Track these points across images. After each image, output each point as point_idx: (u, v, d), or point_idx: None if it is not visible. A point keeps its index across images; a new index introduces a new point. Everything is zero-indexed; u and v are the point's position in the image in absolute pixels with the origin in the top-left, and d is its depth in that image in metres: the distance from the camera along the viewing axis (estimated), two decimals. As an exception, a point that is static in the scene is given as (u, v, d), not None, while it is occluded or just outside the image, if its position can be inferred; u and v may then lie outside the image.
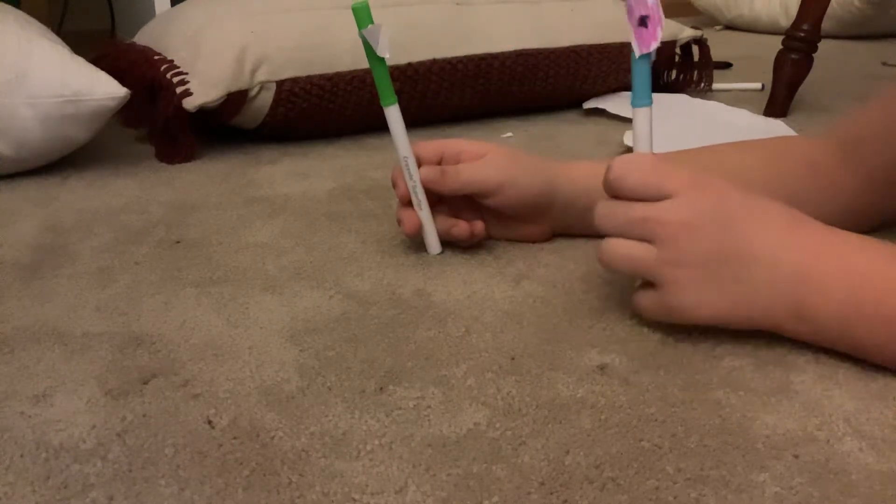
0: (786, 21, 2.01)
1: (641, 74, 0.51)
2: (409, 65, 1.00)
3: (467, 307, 0.56)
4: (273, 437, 0.42)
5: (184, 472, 0.39)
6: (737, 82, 1.36)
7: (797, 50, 1.11)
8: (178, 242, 0.69)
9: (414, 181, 0.63)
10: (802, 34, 1.10)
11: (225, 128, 1.00)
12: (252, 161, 0.94)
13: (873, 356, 0.47)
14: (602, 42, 1.13)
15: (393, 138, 0.63)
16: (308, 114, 0.98)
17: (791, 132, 0.99)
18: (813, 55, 1.11)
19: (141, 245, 0.68)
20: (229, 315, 0.55)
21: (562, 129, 1.07)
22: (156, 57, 0.97)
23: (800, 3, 1.11)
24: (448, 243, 0.65)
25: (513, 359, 0.49)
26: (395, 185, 0.64)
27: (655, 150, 0.52)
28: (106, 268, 0.64)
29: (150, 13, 1.41)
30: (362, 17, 0.59)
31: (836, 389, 0.46)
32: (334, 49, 0.97)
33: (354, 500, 0.37)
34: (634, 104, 0.51)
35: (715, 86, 1.30)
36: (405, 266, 0.63)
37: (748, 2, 2.24)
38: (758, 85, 1.33)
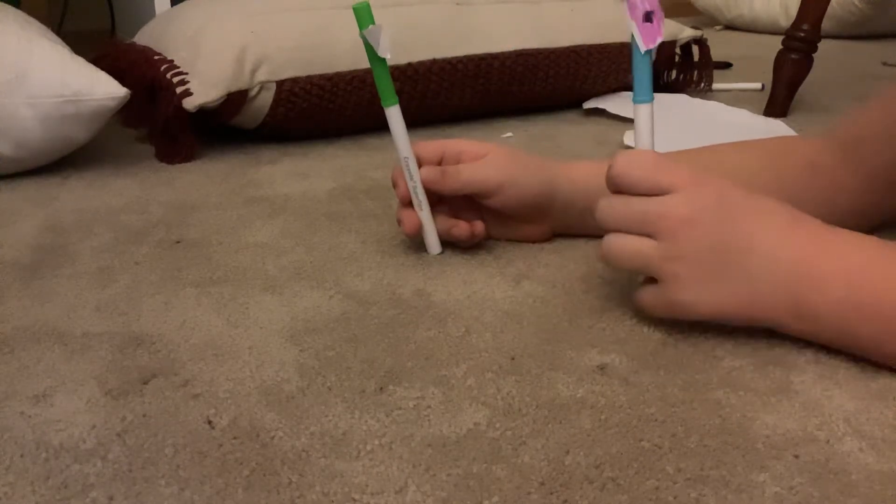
0: (786, 21, 2.01)
1: (643, 70, 0.51)
2: (409, 65, 1.00)
3: (467, 307, 0.56)
4: (273, 437, 0.42)
5: (184, 472, 0.39)
6: (737, 82, 1.36)
7: (797, 50, 1.11)
8: (178, 242, 0.69)
9: (414, 182, 0.63)
10: (802, 34, 1.10)
11: (225, 128, 1.00)
12: (252, 161, 0.94)
13: (872, 353, 0.47)
14: (602, 42, 1.13)
15: (394, 139, 0.63)
16: (308, 114, 0.98)
17: (791, 132, 0.99)
18: (813, 55, 1.11)
19: (141, 245, 0.68)
20: (229, 315, 0.55)
21: (562, 129, 1.07)
22: (156, 57, 0.97)
23: (800, 3, 1.11)
24: (448, 243, 0.65)
25: (513, 359, 0.49)
26: (395, 186, 0.64)
27: (656, 150, 0.52)
28: (106, 268, 0.64)
29: (150, 13, 1.41)
30: (363, 17, 0.59)
31: (836, 389, 0.46)
32: (334, 49, 0.97)
33: (354, 500, 0.37)
34: (636, 100, 0.51)
35: (715, 86, 1.30)
36: (405, 266, 0.63)
37: (748, 2, 2.24)
38: (758, 85, 1.33)
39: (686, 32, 1.24)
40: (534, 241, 0.67)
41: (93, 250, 0.67)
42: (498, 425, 0.43)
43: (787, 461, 0.40)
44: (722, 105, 1.13)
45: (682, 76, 1.27)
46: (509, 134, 1.05)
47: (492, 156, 0.63)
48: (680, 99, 1.19)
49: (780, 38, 1.14)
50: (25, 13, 0.98)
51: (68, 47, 0.90)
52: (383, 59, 0.60)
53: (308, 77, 0.96)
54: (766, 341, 0.50)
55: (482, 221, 0.65)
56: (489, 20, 1.07)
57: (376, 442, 0.41)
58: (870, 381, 0.46)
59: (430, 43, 1.02)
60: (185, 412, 0.44)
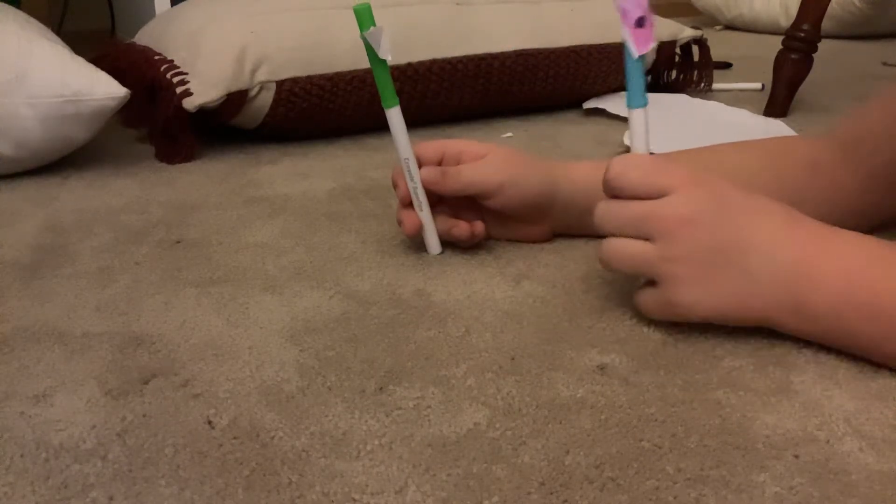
0: (786, 21, 2.01)
1: (636, 76, 0.51)
2: (409, 65, 1.00)
3: (467, 307, 0.56)
4: (273, 437, 0.42)
5: (184, 472, 0.39)
6: (737, 82, 1.36)
7: (797, 50, 1.11)
8: (178, 242, 0.69)
9: (415, 182, 0.63)
10: (802, 34, 1.10)
11: (225, 128, 1.00)
12: (252, 161, 0.94)
13: (870, 352, 0.47)
14: (602, 42, 1.13)
15: (394, 140, 0.62)
16: (308, 114, 0.98)
17: (791, 132, 0.99)
18: (813, 55, 1.11)
19: (141, 245, 0.68)
20: (229, 315, 0.55)
21: (562, 129, 1.07)
22: (156, 57, 0.97)
23: (800, 3, 1.12)
24: (448, 243, 0.65)
25: (513, 359, 0.49)
26: (395, 186, 0.64)
27: (656, 150, 0.52)
28: (106, 268, 0.64)
29: (150, 13, 1.41)
30: (364, 18, 0.59)
31: (836, 389, 0.46)
32: (334, 49, 0.97)
33: (354, 500, 0.37)
34: (630, 105, 0.51)
35: (715, 86, 1.30)
36: (405, 266, 0.63)
37: (748, 2, 2.24)
38: (758, 85, 1.33)
39: (686, 32, 1.24)
40: (534, 242, 0.67)
41: (93, 250, 0.67)
42: (498, 425, 0.43)
43: (787, 461, 0.40)
44: (722, 105, 1.13)
45: (682, 76, 1.27)
46: (509, 134, 1.05)
47: (492, 156, 0.63)
48: (680, 99, 1.19)
49: (780, 38, 1.14)
50: (25, 13, 0.98)
51: (68, 47, 0.90)
52: (384, 61, 0.60)
53: (308, 77, 0.96)
54: (766, 341, 0.50)
55: (482, 222, 0.65)
56: (489, 20, 1.07)
57: (376, 442, 0.41)
58: (870, 381, 0.46)
59: (430, 43, 1.02)
60: (185, 412, 0.44)
